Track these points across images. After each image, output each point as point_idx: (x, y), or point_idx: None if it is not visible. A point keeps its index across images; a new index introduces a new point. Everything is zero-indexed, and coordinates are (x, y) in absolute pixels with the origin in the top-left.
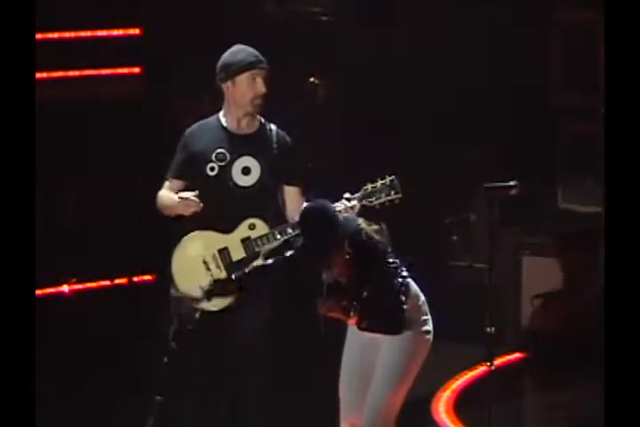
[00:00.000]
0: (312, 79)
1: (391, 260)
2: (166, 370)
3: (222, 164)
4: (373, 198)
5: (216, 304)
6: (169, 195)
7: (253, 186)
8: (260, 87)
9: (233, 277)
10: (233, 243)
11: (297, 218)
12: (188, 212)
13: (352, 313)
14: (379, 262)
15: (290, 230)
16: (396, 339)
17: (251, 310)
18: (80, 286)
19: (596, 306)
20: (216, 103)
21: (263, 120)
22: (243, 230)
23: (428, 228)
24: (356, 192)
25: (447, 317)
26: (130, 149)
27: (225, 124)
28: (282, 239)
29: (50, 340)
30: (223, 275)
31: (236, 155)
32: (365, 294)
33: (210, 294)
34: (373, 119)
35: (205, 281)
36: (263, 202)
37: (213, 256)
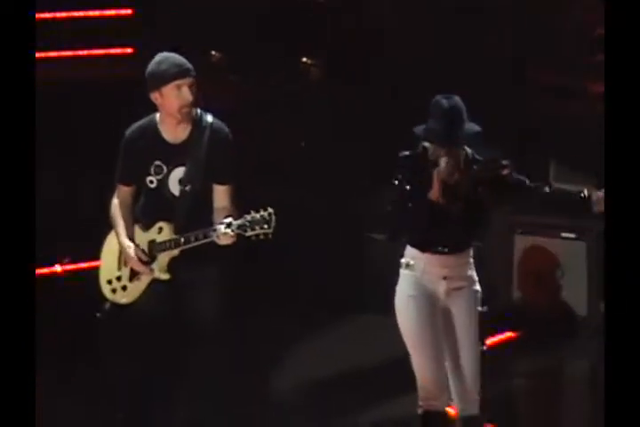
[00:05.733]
0: (305, 59)
1: None
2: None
3: (160, 177)
4: (248, 229)
5: (126, 297)
6: (119, 221)
7: (188, 194)
8: (186, 96)
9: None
10: (142, 242)
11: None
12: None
13: None
14: None
15: (192, 239)
16: (471, 299)
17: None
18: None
19: (584, 285)
20: (210, 86)
21: (198, 116)
22: (153, 232)
23: None
24: (239, 218)
25: None
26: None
27: (162, 132)
28: (182, 248)
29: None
30: (126, 272)
31: (171, 166)
32: None
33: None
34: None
35: (114, 275)
36: (189, 206)
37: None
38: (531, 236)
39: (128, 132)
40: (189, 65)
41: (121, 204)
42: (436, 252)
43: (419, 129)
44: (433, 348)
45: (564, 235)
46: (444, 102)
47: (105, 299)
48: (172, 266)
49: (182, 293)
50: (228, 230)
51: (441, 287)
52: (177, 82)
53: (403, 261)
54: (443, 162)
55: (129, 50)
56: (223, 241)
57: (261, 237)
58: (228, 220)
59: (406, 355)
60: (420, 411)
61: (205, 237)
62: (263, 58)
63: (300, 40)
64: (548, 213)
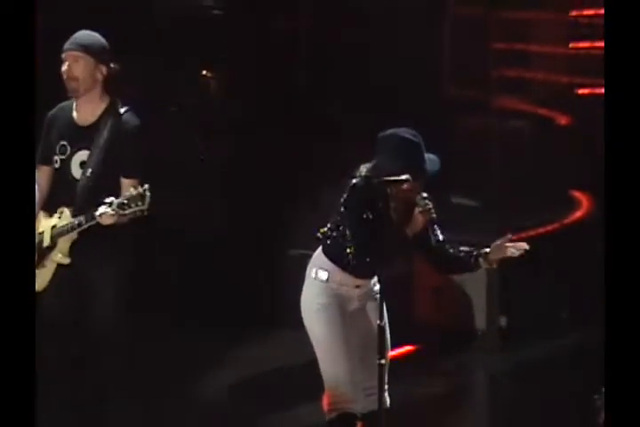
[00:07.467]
0: (204, 72)
1: None
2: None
3: (63, 157)
4: (126, 207)
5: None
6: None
7: (88, 179)
8: (66, 70)
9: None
10: (46, 228)
11: None
12: None
13: None
14: None
15: (83, 221)
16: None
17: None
18: None
19: (483, 299)
20: None
21: (110, 106)
22: (55, 217)
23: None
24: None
25: None
26: None
27: (73, 113)
28: (77, 230)
29: None
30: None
31: (75, 148)
32: None
33: None
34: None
35: None
36: (88, 191)
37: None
38: None
39: (51, 111)
40: (81, 40)
41: (39, 187)
42: (353, 273)
43: (390, 167)
44: (347, 353)
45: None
46: (412, 136)
47: None
48: (74, 251)
49: (85, 279)
50: (108, 209)
51: (354, 294)
52: (64, 54)
53: (316, 269)
54: (423, 204)
55: None
56: (105, 221)
57: (138, 213)
58: (110, 199)
59: (305, 365)
60: (333, 414)
61: (93, 218)
62: (162, 70)
63: (200, 52)
64: (446, 228)
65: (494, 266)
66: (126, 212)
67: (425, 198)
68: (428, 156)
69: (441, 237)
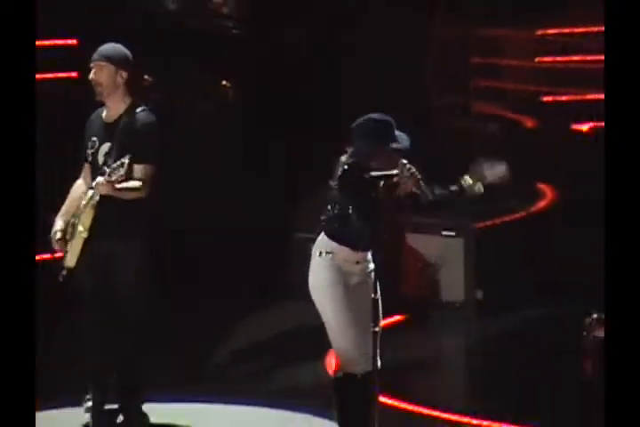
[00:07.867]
0: (224, 82)
1: None
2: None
3: (92, 150)
4: (112, 175)
5: (69, 262)
6: (67, 200)
7: (108, 166)
8: (92, 77)
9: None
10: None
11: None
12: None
13: None
14: None
15: (93, 195)
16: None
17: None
18: None
19: (462, 275)
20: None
21: (130, 106)
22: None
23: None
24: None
25: None
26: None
27: (103, 113)
28: (91, 203)
29: None
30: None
31: (101, 142)
32: None
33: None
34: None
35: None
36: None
37: (73, 220)
38: (418, 234)
39: (90, 116)
40: (105, 52)
41: (84, 181)
42: (353, 248)
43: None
44: (354, 324)
45: (444, 233)
46: (381, 115)
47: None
48: (94, 226)
49: (105, 252)
50: (101, 179)
51: (355, 269)
52: (91, 64)
53: (322, 250)
54: (407, 170)
55: (74, 74)
56: (101, 190)
57: (120, 180)
58: (104, 169)
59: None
60: (339, 374)
61: (95, 190)
62: (185, 80)
63: (220, 63)
64: (431, 215)
65: (477, 189)
66: (112, 178)
67: (406, 164)
68: (399, 133)
69: (436, 191)
